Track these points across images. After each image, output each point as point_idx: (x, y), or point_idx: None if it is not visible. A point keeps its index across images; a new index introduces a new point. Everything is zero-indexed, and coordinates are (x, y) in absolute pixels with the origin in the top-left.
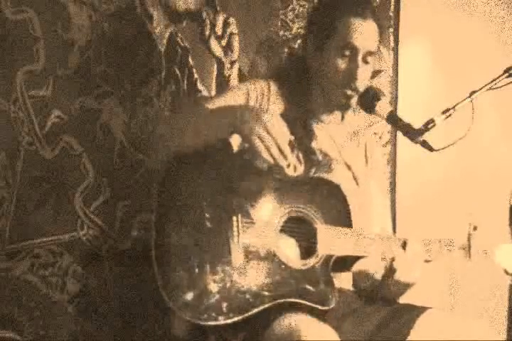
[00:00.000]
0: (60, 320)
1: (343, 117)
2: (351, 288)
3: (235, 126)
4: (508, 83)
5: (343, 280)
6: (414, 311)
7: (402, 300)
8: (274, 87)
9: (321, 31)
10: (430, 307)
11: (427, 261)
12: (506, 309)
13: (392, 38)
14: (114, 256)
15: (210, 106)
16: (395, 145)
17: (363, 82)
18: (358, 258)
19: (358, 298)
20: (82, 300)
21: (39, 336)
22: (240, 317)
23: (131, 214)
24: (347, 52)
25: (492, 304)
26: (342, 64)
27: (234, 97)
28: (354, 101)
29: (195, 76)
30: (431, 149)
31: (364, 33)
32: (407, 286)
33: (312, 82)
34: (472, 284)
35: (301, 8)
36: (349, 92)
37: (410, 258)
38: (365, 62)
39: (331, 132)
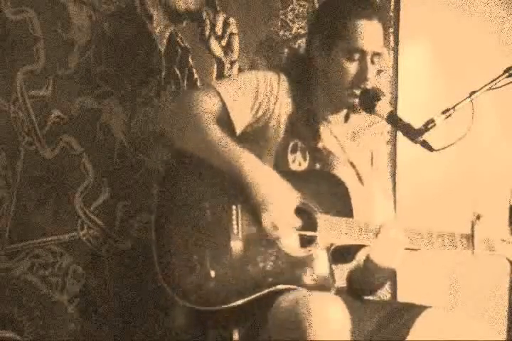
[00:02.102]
0: (60, 320)
1: (347, 118)
2: None
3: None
4: (508, 83)
5: (343, 281)
6: (414, 310)
7: (402, 299)
8: (284, 81)
9: (327, 31)
10: (430, 307)
11: (412, 250)
12: (506, 309)
13: (392, 37)
14: (114, 256)
15: (219, 88)
16: (395, 145)
17: (372, 81)
18: (358, 249)
19: (357, 297)
20: (82, 300)
21: (39, 336)
22: (239, 302)
23: (131, 214)
24: (356, 56)
25: (492, 304)
26: (350, 66)
27: (245, 84)
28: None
29: (195, 76)
30: (431, 149)
31: (371, 34)
32: (386, 272)
33: (314, 81)
34: (472, 284)
35: (301, 8)
36: (357, 92)
37: (387, 244)
38: (372, 62)
39: (334, 131)
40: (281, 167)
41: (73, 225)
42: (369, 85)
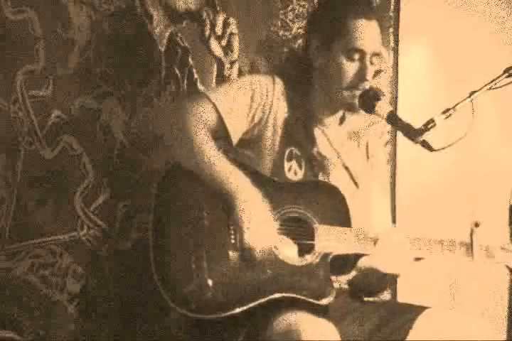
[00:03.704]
0: (60, 320)
1: (342, 120)
2: None
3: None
4: (508, 83)
5: (343, 281)
6: (414, 311)
7: (402, 299)
8: (279, 84)
9: (327, 31)
10: (429, 307)
11: (417, 259)
12: (506, 309)
13: (392, 37)
14: (114, 256)
15: (213, 97)
16: (395, 145)
17: (370, 82)
18: (358, 258)
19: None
20: (82, 300)
21: (39, 336)
22: (237, 311)
23: (131, 214)
24: (355, 56)
25: (492, 304)
26: (350, 66)
27: (239, 91)
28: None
29: (195, 76)
30: (431, 149)
31: (370, 34)
32: (388, 277)
33: (312, 82)
34: (472, 284)
35: (301, 9)
36: (357, 93)
37: (389, 250)
38: (372, 63)
39: (329, 135)
40: (278, 175)
41: (73, 225)
42: (367, 86)
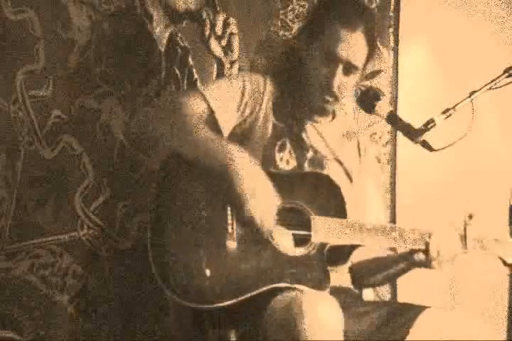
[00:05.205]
0: (60, 320)
1: (333, 117)
2: (350, 286)
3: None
4: (508, 83)
5: (342, 279)
6: (414, 310)
7: (402, 299)
8: (270, 84)
9: (313, 32)
10: (429, 307)
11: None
12: (506, 309)
13: (392, 37)
14: (114, 256)
15: (205, 92)
16: (395, 145)
17: (341, 92)
18: (353, 249)
19: (357, 297)
20: (82, 300)
21: (39, 336)
22: (235, 301)
23: (131, 214)
24: (330, 58)
25: (492, 304)
26: (323, 69)
27: (229, 88)
28: (331, 107)
29: (195, 76)
30: (431, 149)
31: (349, 44)
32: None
33: (302, 80)
34: (472, 284)
35: (301, 9)
36: (327, 98)
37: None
38: (346, 74)
39: (321, 130)
40: (268, 166)
41: (73, 225)
42: (338, 94)
